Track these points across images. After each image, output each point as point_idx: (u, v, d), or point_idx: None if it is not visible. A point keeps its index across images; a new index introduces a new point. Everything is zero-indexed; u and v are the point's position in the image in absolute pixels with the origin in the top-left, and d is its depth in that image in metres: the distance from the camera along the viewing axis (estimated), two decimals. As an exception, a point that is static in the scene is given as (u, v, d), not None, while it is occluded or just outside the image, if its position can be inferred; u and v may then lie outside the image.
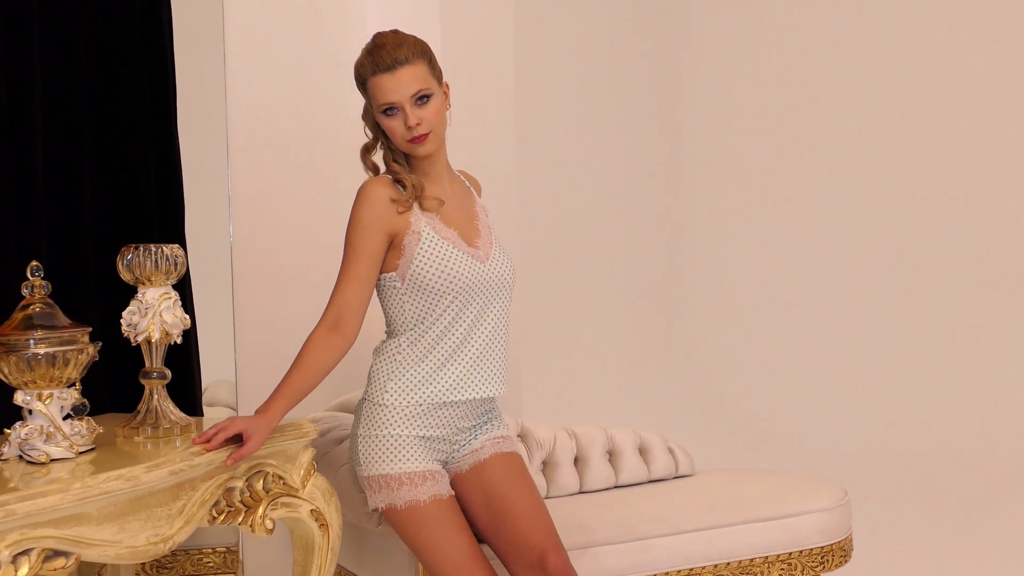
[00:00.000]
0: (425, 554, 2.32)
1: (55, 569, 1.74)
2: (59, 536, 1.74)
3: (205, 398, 3.20)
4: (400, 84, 2.27)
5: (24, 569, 1.69)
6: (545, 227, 5.85)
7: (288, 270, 3.34)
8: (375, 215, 2.28)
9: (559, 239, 5.94)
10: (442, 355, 2.33)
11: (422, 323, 2.33)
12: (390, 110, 2.30)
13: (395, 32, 2.35)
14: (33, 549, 1.71)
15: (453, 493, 2.37)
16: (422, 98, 2.30)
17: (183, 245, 2.82)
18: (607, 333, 6.18)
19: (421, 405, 2.33)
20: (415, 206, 2.33)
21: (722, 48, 6.50)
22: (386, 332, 2.44)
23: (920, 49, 6.36)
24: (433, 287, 2.30)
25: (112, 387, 2.67)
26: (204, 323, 3.01)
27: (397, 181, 2.34)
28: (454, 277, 2.30)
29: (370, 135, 2.41)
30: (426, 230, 2.31)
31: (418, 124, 2.29)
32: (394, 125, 2.31)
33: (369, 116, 2.38)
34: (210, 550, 3.04)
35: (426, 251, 2.30)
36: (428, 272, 2.30)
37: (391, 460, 2.31)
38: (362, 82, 2.34)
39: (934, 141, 6.38)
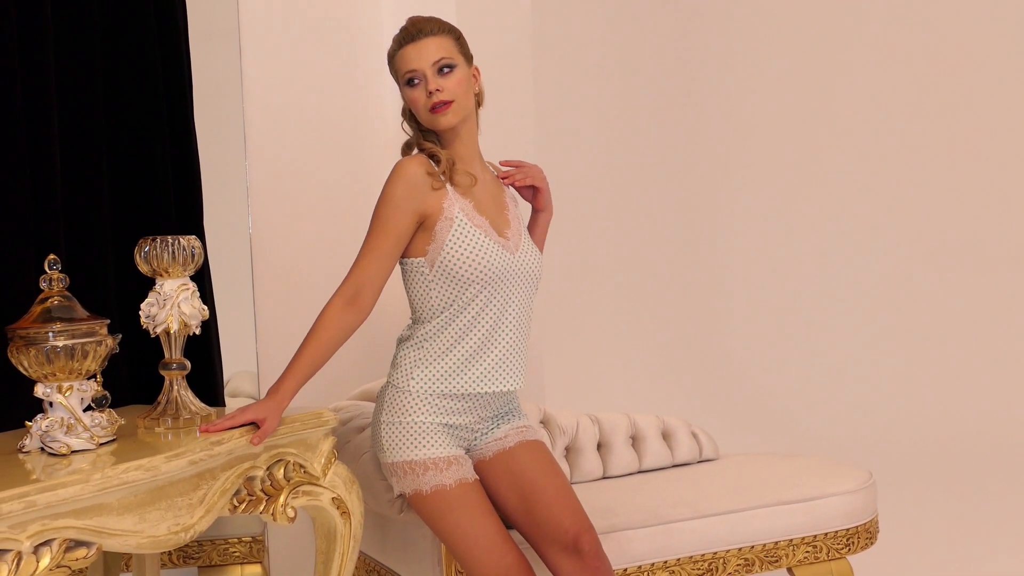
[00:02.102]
0: (453, 538, 2.31)
1: (77, 559, 1.75)
2: (80, 526, 1.75)
3: (228, 389, 3.21)
4: (422, 52, 2.28)
5: (46, 559, 1.70)
6: (566, 213, 5.82)
7: (307, 260, 3.36)
8: (408, 192, 2.26)
9: (580, 225, 5.92)
10: (471, 347, 2.32)
11: (447, 311, 2.32)
12: (413, 80, 2.30)
13: (427, 17, 2.36)
14: (55, 540, 1.72)
15: (478, 477, 2.37)
16: (445, 67, 2.29)
17: (201, 237, 2.82)
18: (630, 319, 6.16)
19: (446, 396, 2.33)
20: (449, 189, 2.31)
21: (744, 33, 6.45)
22: (411, 319, 2.43)
23: (947, 33, 6.32)
24: (462, 275, 2.28)
25: (134, 379, 2.68)
26: (225, 314, 3.02)
27: (431, 156, 2.33)
28: (484, 266, 2.29)
29: (409, 132, 2.40)
30: (459, 216, 2.29)
31: (439, 90, 2.27)
32: (416, 95, 2.31)
33: (405, 112, 2.39)
34: (236, 540, 3.07)
35: (457, 238, 2.28)
36: (459, 260, 2.28)
37: (415, 446, 2.31)
38: (391, 62, 2.35)
39: (962, 124, 6.34)
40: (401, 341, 2.42)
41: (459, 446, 2.38)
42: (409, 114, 2.38)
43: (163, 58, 2.77)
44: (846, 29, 6.41)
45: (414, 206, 2.27)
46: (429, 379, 2.32)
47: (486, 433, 2.45)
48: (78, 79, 2.59)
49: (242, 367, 3.25)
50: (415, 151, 2.39)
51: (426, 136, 2.36)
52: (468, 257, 2.28)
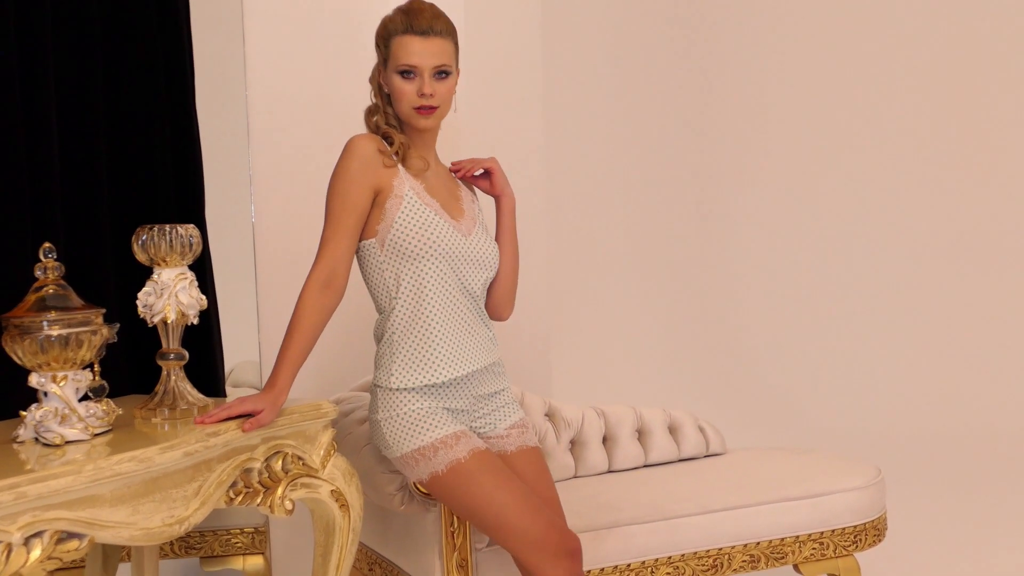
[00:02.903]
0: (482, 510, 2.27)
1: (68, 551, 1.73)
2: (72, 518, 1.72)
3: (231, 380, 3.19)
4: (428, 52, 2.29)
5: (37, 551, 1.67)
6: (574, 205, 5.80)
7: (310, 249, 3.28)
8: (361, 166, 2.28)
9: (588, 217, 5.89)
10: (434, 329, 2.32)
11: (402, 292, 2.32)
12: (408, 73, 2.31)
13: (432, 4, 2.37)
14: (46, 531, 1.69)
15: (488, 447, 2.35)
16: (441, 73, 2.32)
17: (203, 225, 2.79)
18: (638, 312, 6.13)
19: (430, 386, 2.32)
20: (400, 169, 2.33)
21: (756, 25, 6.40)
22: (377, 311, 2.42)
23: (968, 27, 6.27)
24: (412, 251, 2.29)
25: (134, 369, 2.66)
26: (228, 304, 3.00)
27: (385, 137, 2.36)
28: (434, 242, 2.29)
29: (374, 99, 2.42)
30: (409, 194, 2.31)
31: (432, 95, 2.30)
32: (407, 88, 2.32)
33: (376, 80, 2.40)
34: (238, 530, 3.05)
35: (407, 214, 2.29)
36: (408, 236, 2.29)
37: (420, 432, 2.29)
38: (387, 37, 2.34)
39: (977, 117, 6.29)
40: (375, 338, 2.42)
41: (462, 424, 2.36)
42: (380, 88, 2.39)
43: (163, 43, 2.73)
44: (863, 21, 6.35)
45: (368, 180, 2.29)
46: (408, 373, 2.31)
47: (487, 424, 2.42)
48: (77, 64, 2.55)
49: (245, 357, 3.23)
50: (375, 124, 2.40)
51: (389, 121, 2.38)
52: (417, 233, 2.29)
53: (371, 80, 2.41)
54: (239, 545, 3.06)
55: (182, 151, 2.79)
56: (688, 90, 6.37)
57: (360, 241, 2.33)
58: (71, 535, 1.74)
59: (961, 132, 6.32)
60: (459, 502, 2.31)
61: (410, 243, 2.29)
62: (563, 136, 5.68)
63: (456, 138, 3.37)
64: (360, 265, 2.39)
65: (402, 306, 2.33)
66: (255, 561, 3.07)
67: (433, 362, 2.31)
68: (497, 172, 2.53)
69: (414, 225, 2.29)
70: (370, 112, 2.42)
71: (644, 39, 6.23)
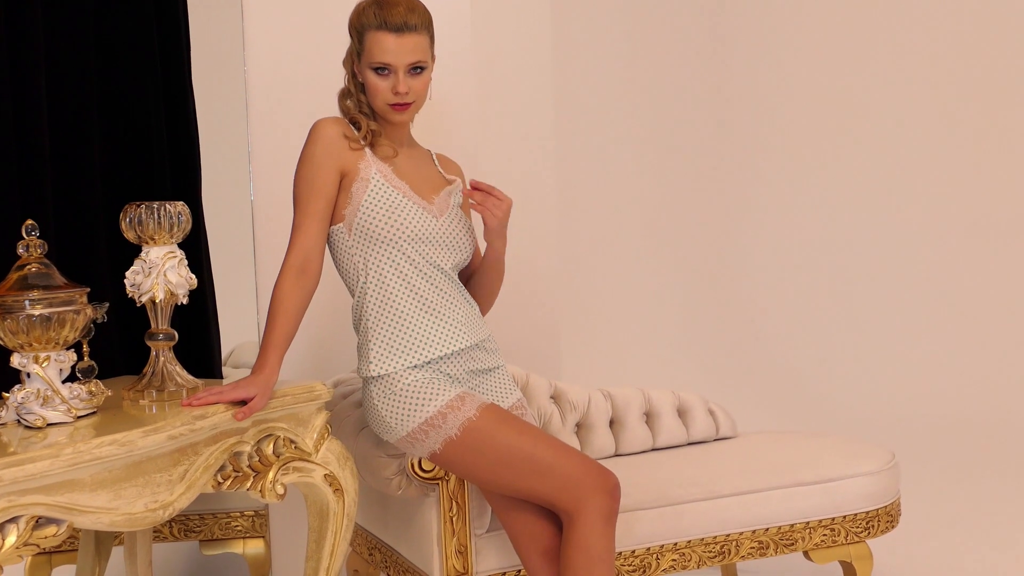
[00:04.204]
0: (509, 460, 2.20)
1: (46, 537, 1.68)
2: (50, 503, 1.68)
3: (230, 361, 3.15)
4: (403, 49, 2.24)
5: (12, 537, 1.63)
6: (584, 187, 5.74)
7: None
8: (326, 149, 2.25)
9: (598, 198, 5.82)
10: (401, 311, 2.27)
11: (374, 276, 2.28)
12: (382, 70, 2.26)
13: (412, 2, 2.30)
14: (22, 516, 1.65)
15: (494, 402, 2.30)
16: (416, 68, 2.27)
17: (198, 204, 2.74)
18: (649, 293, 6.07)
19: (412, 369, 2.26)
20: (367, 152, 2.29)
21: (773, 13, 6.29)
22: (351, 296, 2.37)
23: (994, 13, 6.15)
24: (380, 235, 2.25)
25: (127, 349, 2.61)
26: (226, 285, 2.96)
27: (353, 122, 2.31)
28: (401, 224, 2.25)
29: (347, 83, 2.37)
30: (376, 176, 2.26)
31: (406, 93, 2.25)
32: (381, 85, 2.27)
33: (349, 65, 2.35)
34: (238, 513, 3.01)
35: (373, 197, 2.25)
36: (375, 218, 2.24)
37: (422, 405, 2.23)
38: (360, 30, 2.29)
39: (1001, 99, 6.19)
40: (355, 328, 2.37)
41: (463, 388, 2.30)
42: (354, 75, 2.34)
43: (158, 17, 2.67)
44: (880, 14, 6.25)
45: (333, 163, 2.26)
46: (386, 359, 2.26)
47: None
48: (68, 40, 2.50)
49: (245, 338, 3.18)
50: (346, 107, 2.36)
51: (361, 108, 2.34)
52: (384, 215, 2.24)
53: (344, 64, 2.36)
54: (239, 528, 3.02)
55: (178, 129, 2.74)
56: (703, 69, 6.27)
57: (330, 227, 2.30)
58: (49, 520, 1.70)
59: (984, 112, 6.21)
60: (482, 460, 2.22)
61: (377, 226, 2.25)
62: (575, 113, 5.61)
63: (467, 130, 3.31)
64: (331, 252, 2.35)
65: (372, 291, 2.29)
66: (255, 544, 3.02)
67: (408, 345, 2.26)
68: (500, 218, 2.33)
69: (381, 207, 2.25)
70: (343, 95, 2.37)
71: (658, 18, 6.13)
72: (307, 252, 2.23)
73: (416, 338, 2.27)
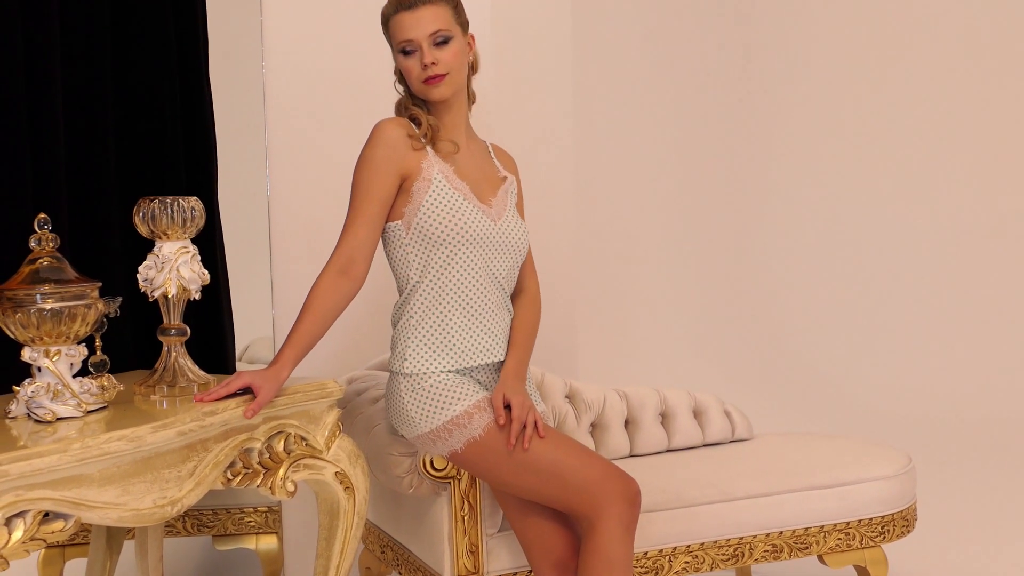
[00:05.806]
0: (530, 469, 2.18)
1: (53, 531, 1.68)
2: (57, 498, 1.67)
3: (246, 356, 3.15)
4: (419, 22, 2.23)
5: (19, 532, 1.63)
6: (602, 185, 5.71)
7: (327, 224, 3.23)
8: (387, 154, 2.23)
9: (616, 197, 5.80)
10: (458, 316, 2.27)
11: (427, 277, 2.27)
12: (408, 49, 2.25)
13: None
14: (29, 511, 1.64)
15: None
16: (441, 40, 2.25)
17: (214, 200, 2.74)
18: (667, 292, 6.04)
19: (446, 372, 2.26)
20: (429, 151, 2.28)
21: (792, 13, 6.25)
22: (399, 293, 2.36)
23: (1004, 21, 6.09)
24: (439, 237, 2.23)
25: (141, 344, 2.61)
26: (242, 280, 2.95)
27: (412, 119, 2.30)
28: (462, 227, 2.23)
29: (400, 90, 2.37)
30: (438, 178, 2.25)
31: (433, 64, 2.23)
32: (410, 64, 2.26)
33: (396, 69, 2.35)
34: (251, 509, 3.01)
35: (435, 198, 2.23)
36: (435, 220, 2.23)
37: (449, 404, 2.22)
38: (385, 23, 2.30)
39: (1013, 105, 6.11)
40: (392, 322, 2.36)
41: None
42: (401, 76, 2.34)
43: (175, 11, 2.66)
44: (898, 17, 6.20)
45: (394, 167, 2.24)
46: (423, 356, 2.26)
47: None
48: (84, 32, 2.49)
49: (260, 333, 3.18)
50: (403, 107, 2.35)
51: (415, 101, 2.33)
52: (445, 218, 2.23)
53: (395, 73, 2.36)
54: (252, 524, 3.02)
55: (194, 125, 2.74)
56: (723, 65, 6.23)
57: (386, 223, 2.28)
58: (56, 515, 1.69)
59: (1007, 111, 6.14)
60: (503, 463, 2.21)
61: (438, 228, 2.23)
62: (592, 110, 5.58)
63: (485, 127, 3.29)
64: (384, 246, 2.34)
65: (423, 291, 2.28)
66: (268, 540, 3.03)
67: (448, 350, 2.26)
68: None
69: (442, 210, 2.23)
70: (399, 104, 2.36)
71: (678, 15, 6.10)
72: (351, 253, 2.21)
73: (457, 345, 2.27)
